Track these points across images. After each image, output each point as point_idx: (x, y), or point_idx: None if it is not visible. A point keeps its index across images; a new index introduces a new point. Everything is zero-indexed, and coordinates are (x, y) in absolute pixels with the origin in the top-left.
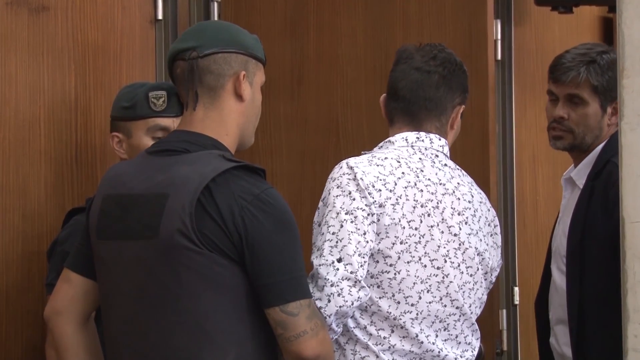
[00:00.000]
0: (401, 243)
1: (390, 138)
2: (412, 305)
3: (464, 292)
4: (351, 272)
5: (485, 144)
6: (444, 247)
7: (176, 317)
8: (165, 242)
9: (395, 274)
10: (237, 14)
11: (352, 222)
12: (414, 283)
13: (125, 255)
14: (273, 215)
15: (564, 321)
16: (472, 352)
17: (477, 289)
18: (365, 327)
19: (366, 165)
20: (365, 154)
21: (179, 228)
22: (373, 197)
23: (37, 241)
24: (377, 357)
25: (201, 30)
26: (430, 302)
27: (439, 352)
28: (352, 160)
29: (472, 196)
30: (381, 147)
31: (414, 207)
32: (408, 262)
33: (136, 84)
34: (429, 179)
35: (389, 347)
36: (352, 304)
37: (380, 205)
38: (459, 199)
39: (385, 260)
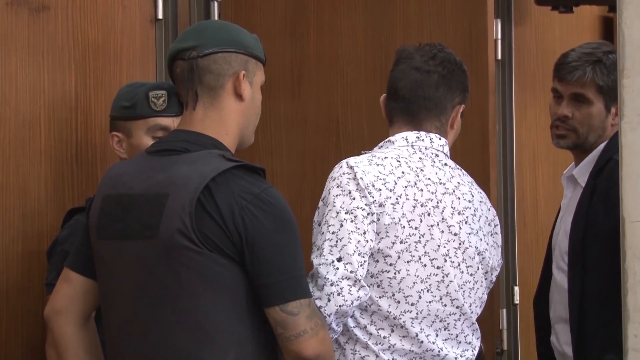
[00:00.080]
0: (401, 242)
1: (391, 138)
2: (412, 304)
3: (464, 291)
4: (351, 272)
5: (485, 143)
6: (444, 247)
7: (176, 317)
8: (165, 241)
9: (395, 273)
10: (237, 14)
11: (352, 221)
12: (414, 282)
13: (125, 255)
14: (273, 214)
15: (565, 320)
16: (472, 351)
17: (478, 289)
18: (365, 327)
19: (366, 165)
20: (365, 153)
21: (179, 228)
22: (373, 197)
23: (37, 241)
24: (377, 356)
25: (201, 30)
26: (430, 302)
27: (439, 351)
28: (352, 160)
29: (472, 195)
30: (381, 146)
31: (414, 207)
32: (408, 262)
33: (136, 83)
34: (429, 179)
35: (389, 347)
36: (352, 303)
37: (380, 205)
38: (459, 198)
39: (385, 259)
